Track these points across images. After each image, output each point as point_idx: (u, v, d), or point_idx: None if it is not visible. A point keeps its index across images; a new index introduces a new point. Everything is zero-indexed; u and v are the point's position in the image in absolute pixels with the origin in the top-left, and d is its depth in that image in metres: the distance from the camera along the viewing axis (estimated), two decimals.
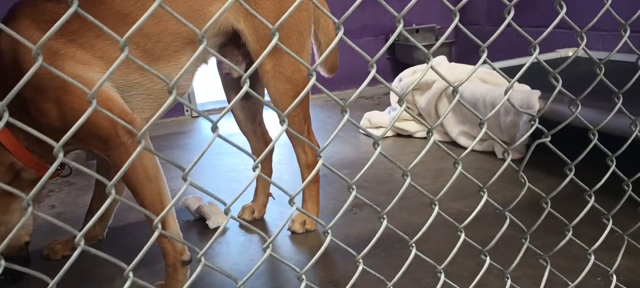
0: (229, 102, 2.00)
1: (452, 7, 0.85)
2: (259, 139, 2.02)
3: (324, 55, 0.84)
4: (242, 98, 1.85)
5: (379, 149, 0.85)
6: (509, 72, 0.96)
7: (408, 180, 0.87)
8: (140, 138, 0.67)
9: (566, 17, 0.89)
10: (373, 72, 0.83)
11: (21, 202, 1.10)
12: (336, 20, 0.80)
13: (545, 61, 0.96)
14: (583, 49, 0.91)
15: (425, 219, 0.92)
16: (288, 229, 1.87)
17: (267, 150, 0.86)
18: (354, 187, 0.85)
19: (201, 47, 0.70)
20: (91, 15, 0.59)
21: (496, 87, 2.48)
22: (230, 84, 1.95)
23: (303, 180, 1.89)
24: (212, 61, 1.79)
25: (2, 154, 1.42)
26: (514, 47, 3.51)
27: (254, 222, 2.00)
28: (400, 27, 0.83)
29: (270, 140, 2.05)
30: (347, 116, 0.82)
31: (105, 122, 1.33)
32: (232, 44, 1.69)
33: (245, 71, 1.73)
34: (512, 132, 2.37)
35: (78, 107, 1.32)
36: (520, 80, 2.82)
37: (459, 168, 0.91)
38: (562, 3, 0.89)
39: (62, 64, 1.33)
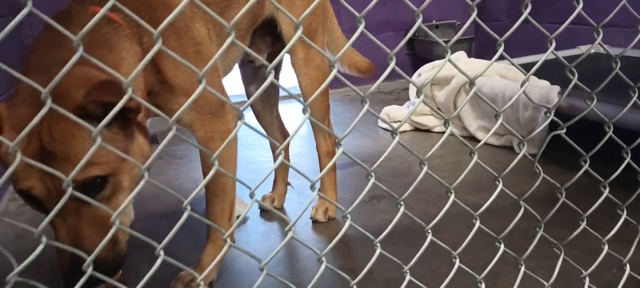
0: (247, 93, 2.05)
1: (470, 2, 0.88)
2: (277, 131, 2.08)
3: (347, 46, 0.87)
4: (262, 97, 1.99)
5: (397, 138, 0.88)
6: (529, 68, 0.99)
7: (425, 168, 0.90)
8: (240, 115, 0.72)
9: (583, 13, 0.91)
10: (392, 64, 0.86)
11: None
12: (357, 14, 0.83)
13: (566, 57, 0.98)
14: (599, 43, 0.93)
15: (441, 210, 0.94)
16: (310, 218, 1.92)
17: (290, 137, 0.90)
18: (372, 174, 0.88)
19: (228, 41, 0.74)
20: None
21: (515, 83, 2.49)
22: (250, 75, 2.00)
23: (321, 168, 1.96)
24: None
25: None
26: (534, 43, 3.49)
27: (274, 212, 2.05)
28: (419, 21, 0.86)
29: (287, 132, 2.11)
30: (366, 106, 0.86)
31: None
32: (263, 30, 1.77)
33: (267, 60, 1.88)
34: (531, 127, 2.38)
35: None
36: (540, 76, 2.82)
37: (475, 157, 0.94)
38: None
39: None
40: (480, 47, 4.19)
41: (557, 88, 2.24)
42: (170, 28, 1.28)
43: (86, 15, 1.16)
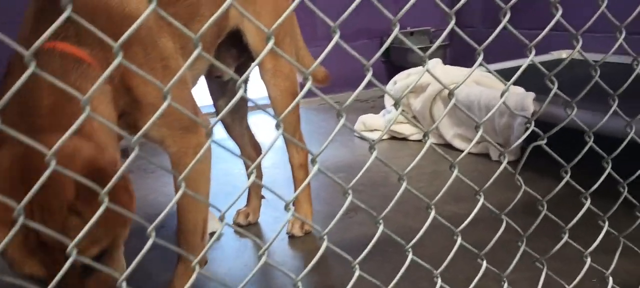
0: (215, 105, 2.00)
1: (448, 10, 0.85)
2: (248, 143, 2.03)
3: (320, 57, 0.83)
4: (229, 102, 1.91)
5: (375, 153, 0.84)
6: (504, 74, 0.96)
7: (404, 184, 0.86)
8: (210, 132, 0.70)
9: (562, 20, 0.89)
10: (369, 75, 0.83)
11: None
12: (332, 24, 0.79)
13: (539, 63, 0.96)
14: (579, 51, 0.91)
15: (420, 222, 0.91)
16: (287, 233, 1.87)
17: (263, 155, 0.86)
18: (350, 191, 0.84)
19: (196, 53, 0.69)
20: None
21: (491, 89, 2.48)
22: (217, 89, 1.95)
23: (294, 180, 1.91)
24: None
25: None
26: (508, 48, 3.52)
27: (249, 227, 1.99)
28: (396, 30, 0.82)
29: (258, 144, 2.07)
30: (343, 120, 0.82)
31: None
32: (228, 43, 1.72)
33: (236, 73, 1.81)
34: (507, 134, 2.38)
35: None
36: (515, 83, 2.84)
37: (455, 172, 0.90)
38: (558, 5, 0.89)
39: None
40: (456, 54, 4.20)
41: (532, 94, 2.24)
42: (137, 43, 1.23)
43: (53, 56, 1.07)
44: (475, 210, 0.92)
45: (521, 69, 0.92)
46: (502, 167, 0.94)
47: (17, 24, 1.22)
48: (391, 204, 0.87)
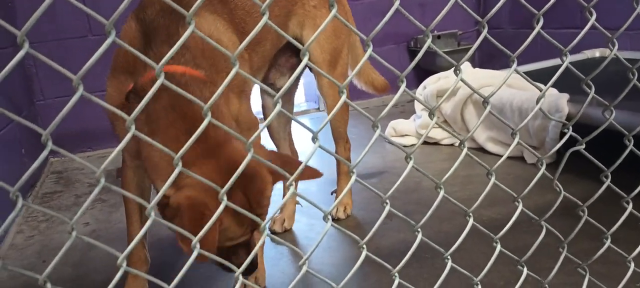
0: (263, 109, 2.13)
1: (479, 18, 0.86)
2: (287, 148, 2.14)
3: (356, 68, 0.85)
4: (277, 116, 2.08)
5: (411, 163, 0.85)
6: (535, 76, 0.96)
7: (442, 193, 0.87)
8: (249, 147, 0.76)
9: (596, 24, 0.89)
10: (403, 87, 0.84)
11: None
12: (364, 37, 0.81)
13: (572, 63, 0.95)
14: (615, 54, 0.90)
15: (456, 227, 0.92)
16: (331, 216, 1.94)
17: (301, 167, 0.87)
18: (387, 201, 0.85)
19: (234, 71, 0.72)
20: None
21: (522, 91, 2.45)
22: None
23: (338, 171, 2.12)
24: None
25: None
26: (537, 49, 3.47)
27: (285, 234, 2.02)
28: (428, 41, 0.83)
29: (295, 149, 2.19)
30: (378, 132, 0.83)
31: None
32: (283, 52, 1.84)
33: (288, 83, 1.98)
34: (541, 136, 2.35)
35: None
36: (546, 83, 2.80)
37: (493, 179, 0.90)
38: (592, 10, 0.88)
39: None
40: (483, 55, 4.17)
41: (566, 96, 2.21)
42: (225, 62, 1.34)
43: (188, 80, 1.23)
44: (514, 217, 0.92)
45: (557, 75, 0.91)
46: (540, 173, 0.94)
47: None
48: (429, 213, 0.87)
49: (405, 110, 3.72)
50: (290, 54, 1.86)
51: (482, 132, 2.66)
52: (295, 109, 2.33)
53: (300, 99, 4.10)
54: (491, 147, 2.61)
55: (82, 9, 0.61)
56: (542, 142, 2.35)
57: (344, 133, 2.06)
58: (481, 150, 2.65)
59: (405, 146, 2.92)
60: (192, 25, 0.63)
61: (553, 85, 2.42)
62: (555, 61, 2.94)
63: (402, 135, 2.96)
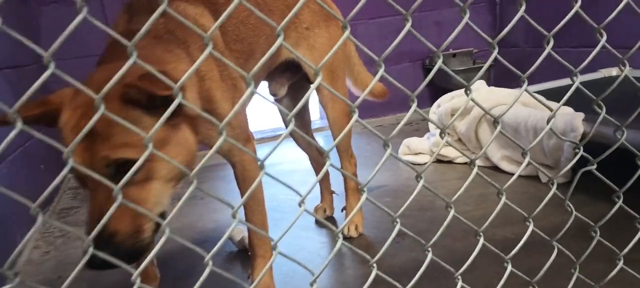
0: (284, 122, 2.26)
1: (490, 39, 0.87)
2: (314, 150, 2.29)
3: (365, 92, 0.86)
4: (297, 119, 2.19)
5: (421, 182, 0.86)
6: (549, 95, 0.97)
7: (452, 212, 0.87)
8: (262, 165, 0.77)
9: (607, 45, 0.89)
10: (414, 106, 0.85)
11: None
12: (376, 58, 0.82)
13: (588, 81, 0.95)
14: (626, 74, 0.90)
15: (468, 247, 0.92)
16: (343, 235, 2.01)
17: (320, 175, 0.88)
18: (398, 220, 0.86)
19: (249, 90, 0.74)
20: None
21: (538, 110, 2.44)
22: (284, 106, 2.21)
23: (345, 188, 2.16)
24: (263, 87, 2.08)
25: None
26: (551, 68, 3.45)
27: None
28: (439, 62, 0.85)
29: (321, 148, 2.24)
30: (389, 151, 0.84)
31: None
32: (279, 68, 1.90)
33: (288, 92, 2.08)
34: (557, 156, 2.33)
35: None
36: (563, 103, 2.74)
37: (503, 199, 0.91)
38: (602, 31, 0.89)
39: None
40: (499, 74, 4.16)
41: (581, 115, 2.19)
42: (213, 62, 1.41)
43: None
44: (525, 238, 0.92)
45: (567, 95, 0.92)
46: (551, 193, 0.94)
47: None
48: (439, 232, 0.88)
49: (419, 128, 3.72)
50: (284, 68, 1.93)
51: (496, 151, 2.65)
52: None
53: (314, 116, 4.12)
54: (506, 166, 2.60)
55: (102, 28, 0.63)
56: (557, 161, 2.34)
57: (348, 147, 2.11)
58: (496, 169, 2.64)
59: (418, 164, 2.91)
60: (165, 4, 0.63)
61: (570, 104, 2.41)
62: (571, 84, 2.92)
63: (416, 153, 2.96)
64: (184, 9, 1.41)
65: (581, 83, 0.92)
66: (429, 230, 1.95)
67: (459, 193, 0.90)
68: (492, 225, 1.97)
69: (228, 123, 1.39)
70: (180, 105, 1.05)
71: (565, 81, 2.97)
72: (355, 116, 0.83)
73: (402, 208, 0.87)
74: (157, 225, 1.10)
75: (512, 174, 2.56)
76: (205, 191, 0.77)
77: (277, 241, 0.80)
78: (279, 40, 0.72)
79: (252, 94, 0.74)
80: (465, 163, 2.82)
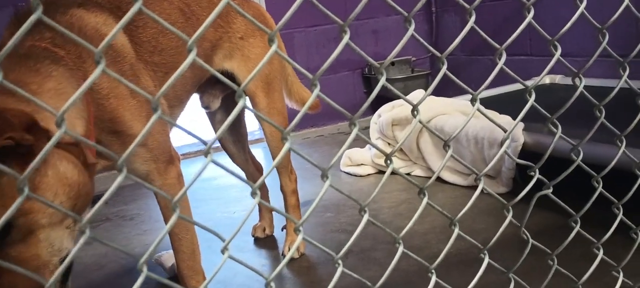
0: (220, 141, 2.14)
1: (438, 54, 0.78)
2: (251, 166, 2.20)
3: (296, 118, 0.74)
4: (232, 135, 2.11)
5: (425, 199, 0.76)
6: (489, 102, 0.89)
7: (366, 216, 0.77)
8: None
9: (562, 59, 0.82)
10: (355, 131, 0.75)
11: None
12: (311, 76, 0.72)
13: (520, 90, 0.87)
14: (582, 90, 0.84)
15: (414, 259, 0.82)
16: (282, 255, 1.98)
17: (263, 176, 0.79)
18: (339, 261, 0.75)
19: (155, 116, 0.61)
20: None
21: (477, 120, 2.42)
22: (216, 121, 2.10)
23: (286, 207, 2.04)
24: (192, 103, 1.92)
25: None
26: (489, 75, 3.48)
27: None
28: (382, 79, 0.75)
29: (260, 165, 2.25)
30: (328, 183, 0.73)
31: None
32: (211, 79, 1.81)
33: (222, 105, 1.97)
34: (498, 166, 2.31)
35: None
36: (500, 111, 2.75)
37: (425, 199, 0.82)
38: (556, 43, 0.82)
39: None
40: (437, 83, 4.17)
41: (521, 124, 2.18)
42: (122, 75, 1.26)
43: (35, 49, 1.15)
44: (450, 243, 0.85)
45: (523, 112, 0.84)
46: (477, 191, 0.87)
47: None
48: (386, 273, 0.77)
49: (360, 138, 3.65)
50: (216, 79, 1.82)
51: (437, 160, 2.61)
52: (249, 138, 2.25)
53: (254, 127, 3.97)
54: (447, 176, 2.56)
55: None
56: (498, 171, 2.32)
57: (288, 163, 2.00)
58: (438, 179, 2.60)
59: (360, 176, 2.85)
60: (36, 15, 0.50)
61: (505, 112, 2.38)
62: (512, 87, 2.94)
63: (358, 165, 2.89)
64: (80, 17, 1.25)
65: (514, 91, 0.84)
66: (373, 247, 1.87)
67: (371, 197, 0.80)
68: (438, 240, 1.92)
69: (143, 144, 1.27)
70: (45, 137, 0.92)
71: (503, 89, 2.98)
72: (288, 144, 0.71)
73: (342, 251, 0.76)
74: (67, 271, 1.01)
75: (454, 184, 2.55)
76: (99, 238, 0.63)
77: (226, 244, 0.68)
78: (192, 55, 0.59)
79: (159, 117, 0.60)
80: (409, 174, 2.77)
